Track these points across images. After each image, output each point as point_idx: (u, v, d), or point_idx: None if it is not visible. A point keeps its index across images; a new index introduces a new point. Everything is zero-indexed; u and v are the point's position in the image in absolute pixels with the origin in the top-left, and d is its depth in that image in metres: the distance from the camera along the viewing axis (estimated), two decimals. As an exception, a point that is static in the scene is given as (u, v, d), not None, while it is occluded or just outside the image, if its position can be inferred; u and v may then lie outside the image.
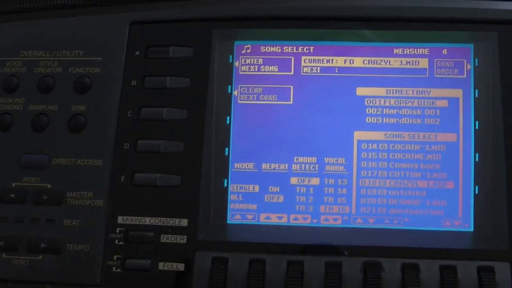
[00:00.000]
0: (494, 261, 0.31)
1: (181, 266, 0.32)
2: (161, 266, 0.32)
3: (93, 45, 0.35)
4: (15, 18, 0.36)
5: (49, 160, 0.34)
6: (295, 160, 0.35)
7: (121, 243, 0.32)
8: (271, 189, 0.35)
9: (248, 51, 0.36)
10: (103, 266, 0.32)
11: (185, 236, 0.32)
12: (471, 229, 0.34)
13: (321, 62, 0.35)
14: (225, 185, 0.35)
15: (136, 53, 0.35)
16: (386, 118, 0.35)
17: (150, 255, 0.32)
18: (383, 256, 0.32)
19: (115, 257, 0.32)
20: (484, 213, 0.33)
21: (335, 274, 0.31)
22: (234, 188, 0.35)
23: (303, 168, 0.35)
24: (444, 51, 0.35)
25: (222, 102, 0.35)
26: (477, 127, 0.34)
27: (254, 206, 0.35)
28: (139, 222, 0.33)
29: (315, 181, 0.35)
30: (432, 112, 0.35)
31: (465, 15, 0.35)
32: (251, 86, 0.35)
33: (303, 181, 0.35)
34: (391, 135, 0.35)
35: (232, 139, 0.35)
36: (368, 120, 0.35)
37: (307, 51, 0.36)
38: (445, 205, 0.34)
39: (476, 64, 0.35)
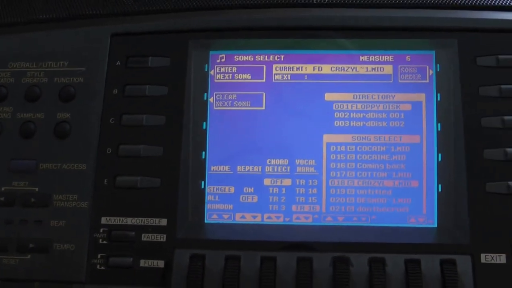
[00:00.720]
0: (456, 255, 0.34)
1: (161, 263, 0.34)
2: (142, 263, 0.35)
3: (77, 56, 0.37)
4: (3, 32, 0.38)
5: (36, 165, 0.36)
6: (268, 162, 0.37)
7: (104, 242, 0.35)
8: (246, 190, 0.37)
9: (223, 60, 0.38)
10: (88, 264, 0.35)
11: (164, 235, 0.35)
12: (435, 225, 0.36)
13: (291, 69, 0.38)
14: (202, 187, 0.37)
15: (117, 63, 0.37)
16: (353, 122, 0.37)
17: (132, 253, 0.35)
18: (352, 251, 0.34)
19: (99, 256, 0.35)
20: (447, 210, 0.36)
21: (306, 269, 0.34)
22: (210, 190, 0.37)
23: (275, 170, 0.37)
24: (408, 58, 0.38)
25: (198, 108, 0.37)
26: (439, 129, 0.37)
27: (230, 206, 0.37)
28: (121, 222, 0.35)
29: (287, 182, 0.37)
30: (396, 116, 0.37)
31: (427, 24, 0.37)
32: (225, 93, 0.38)
33: (276, 182, 0.37)
34: (358, 138, 0.37)
35: (208, 143, 0.38)
36: (336, 123, 0.37)
37: (278, 59, 0.38)
38: (410, 202, 0.37)
39: (438, 70, 0.37)
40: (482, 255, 0.33)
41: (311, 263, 0.34)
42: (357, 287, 0.33)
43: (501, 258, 0.33)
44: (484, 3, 0.37)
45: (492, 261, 0.33)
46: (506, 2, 0.37)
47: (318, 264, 0.34)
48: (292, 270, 0.34)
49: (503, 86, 0.36)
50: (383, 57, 0.38)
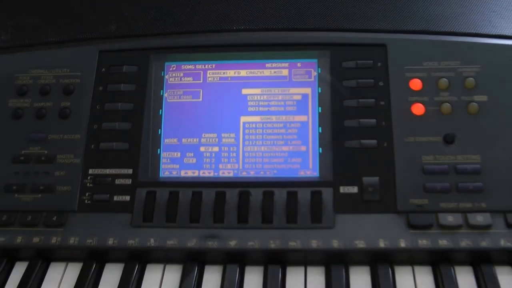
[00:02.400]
0: (322, 187, 0.52)
1: (127, 198, 0.53)
2: (115, 198, 0.53)
3: (75, 65, 0.57)
4: (24, 50, 0.59)
5: (46, 136, 0.55)
6: (203, 136, 0.56)
7: (90, 185, 0.54)
8: (188, 155, 0.56)
9: (174, 68, 0.58)
10: (79, 199, 0.53)
11: (130, 179, 0.54)
12: (317, 175, 0.55)
13: (220, 74, 0.58)
14: (158, 153, 0.56)
15: (103, 70, 0.57)
16: (261, 107, 0.56)
17: (108, 192, 0.53)
18: (253, 187, 0.53)
19: (86, 194, 0.53)
20: (325, 165, 0.54)
21: (221, 198, 0.51)
22: (164, 155, 0.56)
23: (208, 141, 0.56)
24: (299, 64, 0.58)
25: (156, 100, 0.57)
26: (320, 111, 0.56)
27: (177, 166, 0.56)
28: (102, 172, 0.54)
29: (216, 148, 0.56)
30: (291, 103, 0.57)
31: (311, 41, 0.57)
32: (175, 90, 0.58)
33: (208, 149, 0.56)
34: (264, 118, 0.56)
35: (163, 124, 0.57)
36: (249, 109, 0.56)
37: (211, 67, 0.58)
38: (301, 161, 0.55)
39: (319, 72, 0.57)
40: (341, 187, 0.52)
41: (224, 195, 0.52)
42: (254, 209, 0.51)
43: (354, 189, 0.52)
44: (347, 27, 0.57)
45: (347, 191, 0.52)
46: (359, 26, 0.57)
47: (230, 195, 0.52)
48: (211, 200, 0.52)
49: (359, 80, 0.55)
50: (281, 64, 0.57)
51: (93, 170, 0.53)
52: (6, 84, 0.57)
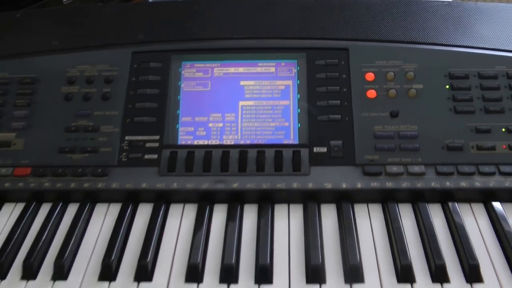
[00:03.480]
0: (301, 148, 0.72)
1: (155, 156, 0.72)
2: (146, 156, 0.71)
3: (114, 62, 0.77)
4: (74, 51, 0.79)
5: (92, 113, 0.74)
6: (210, 115, 0.76)
7: (126, 147, 0.72)
8: (199, 129, 0.75)
9: (189, 66, 0.79)
10: (118, 158, 0.71)
11: (157, 143, 0.73)
12: (297, 142, 0.74)
13: (224, 70, 0.78)
14: (177, 127, 0.76)
15: (135, 66, 0.77)
16: (254, 95, 0.77)
17: (140, 152, 0.72)
18: (250, 149, 0.72)
19: (123, 154, 0.72)
20: (303, 135, 0.74)
21: (226, 155, 0.71)
22: (181, 129, 0.75)
23: (214, 119, 0.76)
24: (283, 64, 0.78)
25: (175, 89, 0.77)
26: (299, 97, 0.76)
27: (191, 137, 0.75)
28: (135, 138, 0.73)
29: (220, 124, 0.76)
30: (276, 92, 0.77)
31: (291, 46, 0.78)
32: (190, 82, 0.78)
33: (215, 124, 0.76)
34: (257, 102, 0.76)
35: (180, 106, 0.76)
36: (246, 96, 0.76)
37: (217, 65, 0.78)
38: (284, 133, 0.75)
39: (298, 69, 0.78)
40: (314, 148, 0.71)
41: (228, 153, 0.70)
42: (250, 165, 0.71)
43: (324, 149, 0.71)
44: (319, 36, 0.79)
45: (319, 151, 0.71)
46: (328, 36, 0.78)
47: (235, 156, 0.71)
48: (218, 156, 0.71)
49: (328, 74, 0.75)
50: (270, 63, 0.77)
51: (129, 137, 0.72)
52: (59, 76, 0.76)
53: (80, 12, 0.84)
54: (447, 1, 0.81)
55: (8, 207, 0.69)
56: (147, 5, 0.88)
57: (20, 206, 0.69)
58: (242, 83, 0.74)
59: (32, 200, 0.68)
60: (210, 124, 0.73)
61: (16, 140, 0.71)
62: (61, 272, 0.59)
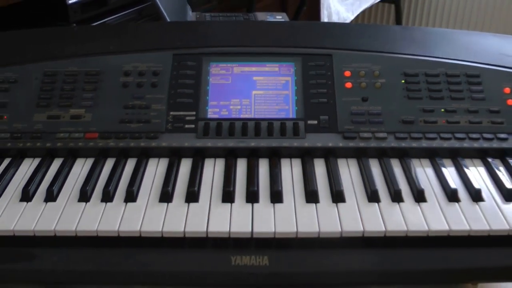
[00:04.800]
0: (299, 121, 1.02)
1: (192, 126, 1.00)
2: (186, 126, 1.00)
3: (159, 61, 1.06)
4: (127, 52, 1.08)
5: (144, 96, 1.03)
6: (231, 100, 1.06)
7: (171, 120, 1.01)
8: (223, 110, 1.05)
9: (215, 65, 1.09)
10: (165, 126, 1.00)
11: (194, 117, 1.01)
12: (294, 116, 1.05)
13: (241, 68, 1.08)
14: (207, 109, 1.05)
15: (175, 64, 1.07)
16: (263, 86, 1.06)
17: (182, 123, 1.01)
18: (263, 121, 1.02)
19: (169, 124, 1.00)
20: (300, 113, 1.04)
21: (246, 125, 1.01)
22: (209, 111, 1.04)
23: (234, 103, 1.05)
24: (284, 65, 1.09)
25: (205, 82, 1.06)
26: (296, 88, 1.07)
27: (217, 116, 1.05)
28: (178, 113, 1.02)
29: (239, 107, 1.05)
30: (279, 85, 1.07)
31: (291, 52, 1.10)
32: (216, 77, 1.08)
33: (234, 107, 1.05)
34: (265, 92, 1.06)
35: (209, 94, 1.06)
36: (257, 87, 1.07)
37: (236, 65, 1.09)
38: (285, 113, 1.05)
39: (295, 69, 1.09)
40: (308, 121, 1.01)
41: (247, 124, 1.00)
42: (262, 131, 1.00)
43: (315, 122, 1.00)
44: (310, 45, 1.10)
45: (311, 123, 1.01)
46: (317, 45, 1.10)
47: (251, 124, 1.01)
48: (239, 126, 1.01)
49: (317, 71, 1.07)
50: (274, 64, 1.08)
51: (173, 112, 1.00)
52: (117, 70, 1.05)
53: (130, 26, 1.14)
54: (406, 26, 1.14)
55: (80, 161, 0.96)
56: (183, 22, 1.19)
57: (90, 161, 0.96)
58: (254, 78, 1.04)
59: (100, 155, 0.96)
60: (231, 107, 1.02)
61: (85, 114, 0.99)
62: (131, 196, 0.86)
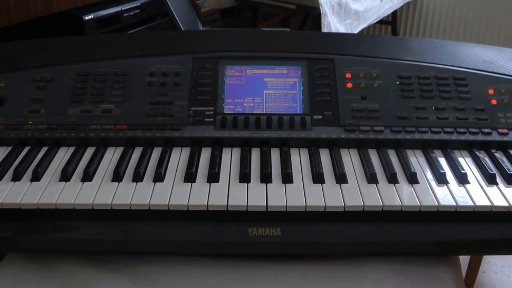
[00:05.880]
0: (304, 115, 1.17)
1: (211, 119, 1.15)
2: (206, 119, 1.12)
3: (181, 63, 1.20)
4: (147, 56, 1.23)
5: (167, 93, 1.18)
6: (245, 99, 1.20)
7: (192, 114, 1.15)
8: (237, 107, 1.19)
9: (230, 68, 1.24)
10: (187, 120, 1.14)
11: (212, 112, 1.15)
12: (301, 112, 1.19)
13: (254, 71, 1.23)
14: (223, 104, 1.20)
15: (195, 66, 1.22)
16: (274, 86, 1.21)
17: (202, 117, 1.15)
18: (274, 115, 1.16)
19: (190, 117, 1.14)
20: (306, 110, 1.19)
21: (257, 118, 1.15)
22: (226, 107, 1.19)
23: (247, 101, 1.20)
24: (292, 68, 1.25)
25: (222, 82, 1.20)
26: (302, 88, 1.22)
27: (232, 111, 1.20)
28: (198, 109, 1.16)
29: (252, 104, 1.20)
30: (288, 85, 1.22)
31: (298, 57, 1.25)
32: (231, 78, 1.22)
33: (248, 104, 1.20)
34: (275, 91, 1.21)
35: (225, 92, 1.21)
36: (268, 87, 1.21)
37: (249, 68, 1.24)
38: (293, 110, 1.20)
39: (302, 71, 1.24)
40: (314, 116, 1.15)
41: (260, 118, 1.15)
42: (273, 124, 1.15)
43: (320, 117, 1.14)
44: (315, 51, 1.26)
45: (317, 118, 1.15)
46: (321, 51, 1.26)
47: (263, 118, 1.15)
48: (253, 120, 1.15)
49: (321, 74, 1.22)
50: (283, 67, 1.23)
51: (193, 108, 1.14)
52: (143, 71, 1.19)
53: (153, 34, 1.29)
54: (400, 37, 1.29)
55: (111, 149, 1.09)
56: (201, 31, 1.34)
57: (120, 149, 1.09)
58: (265, 79, 1.19)
59: (128, 144, 1.10)
60: (245, 104, 1.16)
61: (115, 109, 1.13)
62: (159, 176, 1.00)
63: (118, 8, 1.96)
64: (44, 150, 1.06)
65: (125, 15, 1.98)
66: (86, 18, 1.90)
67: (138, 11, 2.01)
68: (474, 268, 1.79)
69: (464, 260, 1.56)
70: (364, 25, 2.30)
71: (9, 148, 1.06)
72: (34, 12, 1.74)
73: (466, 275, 1.80)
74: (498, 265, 1.90)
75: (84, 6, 1.91)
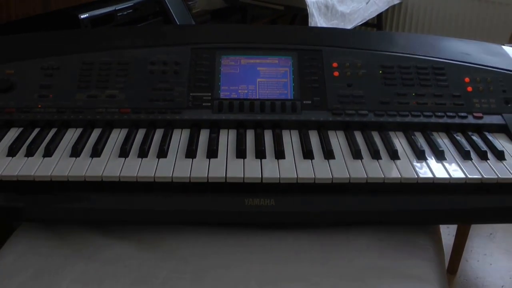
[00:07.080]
0: (295, 101, 1.29)
1: (209, 104, 1.25)
2: (203, 104, 1.24)
3: (180, 53, 1.32)
4: (149, 46, 1.35)
5: (168, 80, 1.30)
6: (239, 86, 1.32)
7: (191, 99, 1.26)
8: (232, 94, 1.31)
9: (225, 58, 1.36)
10: (186, 104, 1.25)
11: (210, 97, 1.27)
12: (292, 98, 1.32)
13: (247, 60, 1.34)
14: (219, 92, 1.32)
15: (193, 56, 1.34)
16: (266, 75, 1.33)
17: (200, 101, 1.26)
18: (266, 100, 1.29)
19: (190, 102, 1.25)
20: (296, 96, 1.31)
21: (250, 103, 1.28)
22: (221, 94, 1.32)
23: (242, 88, 1.32)
24: (283, 58, 1.37)
25: (218, 70, 1.32)
26: (293, 76, 1.34)
27: (228, 98, 1.32)
28: (197, 94, 1.28)
29: (246, 91, 1.31)
30: (280, 73, 1.33)
31: (289, 48, 1.38)
32: (227, 67, 1.34)
33: (242, 91, 1.32)
34: (268, 80, 1.34)
35: (221, 80, 1.32)
36: (261, 75, 1.33)
37: (243, 58, 1.36)
38: (286, 96, 1.32)
39: (292, 61, 1.35)
40: (303, 101, 1.27)
41: (253, 103, 1.27)
42: (266, 108, 1.27)
43: (309, 102, 1.26)
44: (305, 43, 1.39)
45: (306, 103, 1.27)
46: (310, 44, 1.39)
47: (257, 103, 1.28)
48: (247, 104, 1.27)
49: (310, 63, 1.34)
50: (275, 58, 1.35)
51: (192, 93, 1.26)
52: (145, 60, 1.31)
53: (154, 27, 1.41)
54: (384, 32, 1.43)
55: (116, 130, 1.21)
56: (198, 25, 1.46)
57: (125, 130, 1.21)
58: (258, 68, 1.31)
59: (133, 126, 1.21)
60: (239, 91, 1.28)
61: (119, 94, 1.24)
62: (163, 152, 1.11)
63: (112, 8, 2.08)
64: (53, 131, 1.16)
65: (118, 14, 2.10)
66: (82, 16, 2.01)
67: (131, 11, 2.14)
68: (457, 256, 1.92)
69: (447, 249, 1.69)
70: (349, 26, 2.44)
71: (21, 129, 1.16)
72: (33, 10, 1.85)
73: (449, 263, 1.93)
74: (480, 254, 2.04)
75: (80, 5, 2.02)
